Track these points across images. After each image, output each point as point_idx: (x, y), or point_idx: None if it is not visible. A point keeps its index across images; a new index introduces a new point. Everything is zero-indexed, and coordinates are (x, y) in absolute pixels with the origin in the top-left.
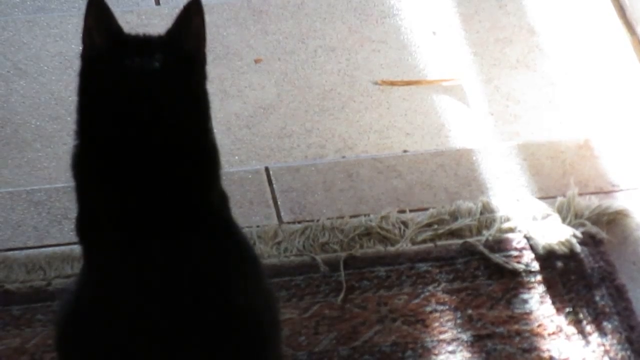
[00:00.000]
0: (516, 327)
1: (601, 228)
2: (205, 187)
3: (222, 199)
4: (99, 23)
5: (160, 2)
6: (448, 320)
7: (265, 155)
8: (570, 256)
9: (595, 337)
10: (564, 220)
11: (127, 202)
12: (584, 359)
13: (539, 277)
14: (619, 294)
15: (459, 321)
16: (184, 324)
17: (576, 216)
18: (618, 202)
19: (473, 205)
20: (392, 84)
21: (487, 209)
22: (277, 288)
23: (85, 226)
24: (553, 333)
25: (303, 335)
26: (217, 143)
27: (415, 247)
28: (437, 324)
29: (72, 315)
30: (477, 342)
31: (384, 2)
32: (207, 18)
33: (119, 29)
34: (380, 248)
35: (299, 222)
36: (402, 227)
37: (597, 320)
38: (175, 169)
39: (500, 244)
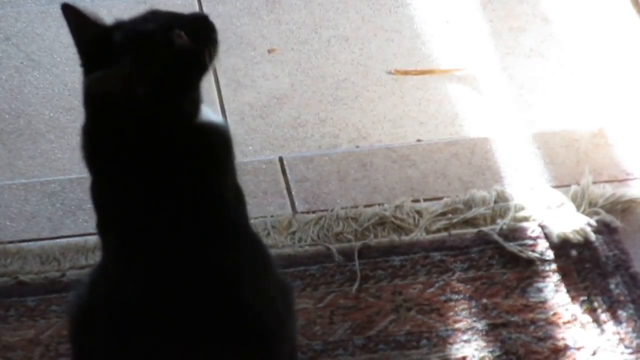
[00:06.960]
0: (531, 315)
1: (615, 216)
2: (218, 182)
3: (237, 196)
4: None
5: None
6: (463, 310)
7: (279, 145)
8: (585, 244)
9: (610, 326)
10: (578, 208)
11: (143, 195)
12: (599, 347)
13: (553, 266)
14: (633, 282)
15: (473, 310)
16: (194, 318)
17: (590, 204)
18: (632, 190)
19: (487, 194)
20: (406, 73)
21: (501, 198)
22: (291, 278)
23: (108, 218)
24: (568, 322)
25: (318, 325)
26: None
27: (430, 237)
28: (451, 313)
29: (86, 307)
30: (492, 331)
31: None
32: (221, 8)
33: None
34: (394, 237)
35: (313, 212)
36: (417, 216)
37: (612, 308)
38: (192, 164)
39: (514, 233)
